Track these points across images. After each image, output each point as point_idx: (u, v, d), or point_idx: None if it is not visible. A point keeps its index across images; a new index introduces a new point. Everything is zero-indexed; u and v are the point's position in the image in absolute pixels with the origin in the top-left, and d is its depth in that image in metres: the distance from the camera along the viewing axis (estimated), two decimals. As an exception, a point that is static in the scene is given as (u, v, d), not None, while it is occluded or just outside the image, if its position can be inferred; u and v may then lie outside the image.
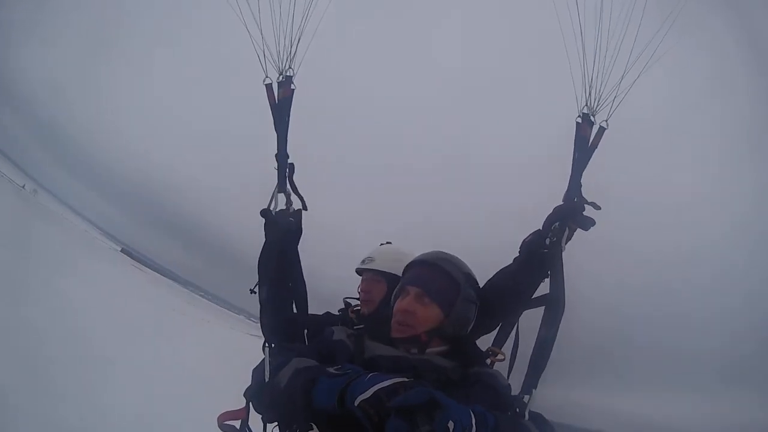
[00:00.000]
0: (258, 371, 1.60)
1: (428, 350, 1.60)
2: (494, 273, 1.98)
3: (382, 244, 2.42)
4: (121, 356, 7.26)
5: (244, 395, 1.65)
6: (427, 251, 1.81)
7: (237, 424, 1.83)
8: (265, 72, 1.82)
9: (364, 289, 2.26)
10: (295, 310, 2.13)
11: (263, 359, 1.60)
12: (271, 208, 1.90)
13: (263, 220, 1.89)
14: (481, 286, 1.83)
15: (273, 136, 1.87)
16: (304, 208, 2.02)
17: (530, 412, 1.51)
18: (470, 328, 1.74)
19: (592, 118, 1.72)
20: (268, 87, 1.86)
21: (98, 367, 6.55)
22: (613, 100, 1.63)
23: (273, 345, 1.69)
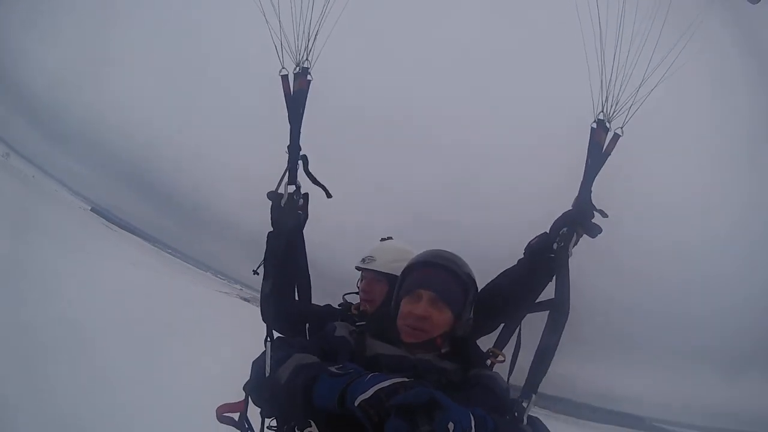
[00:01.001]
0: (258, 364, 1.59)
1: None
2: (498, 274, 1.99)
3: (382, 239, 2.41)
4: (94, 316, 7.29)
5: (244, 388, 1.63)
6: (428, 250, 1.79)
7: (236, 416, 1.81)
8: (282, 62, 1.80)
9: (365, 289, 2.25)
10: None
11: (263, 352, 1.59)
12: (282, 202, 1.87)
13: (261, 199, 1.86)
14: (482, 285, 1.83)
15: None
16: (328, 195, 1.99)
17: (528, 417, 1.51)
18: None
19: (607, 124, 1.72)
20: (284, 78, 1.83)
21: (71, 328, 6.57)
22: (629, 108, 1.63)
23: (274, 338, 1.67)
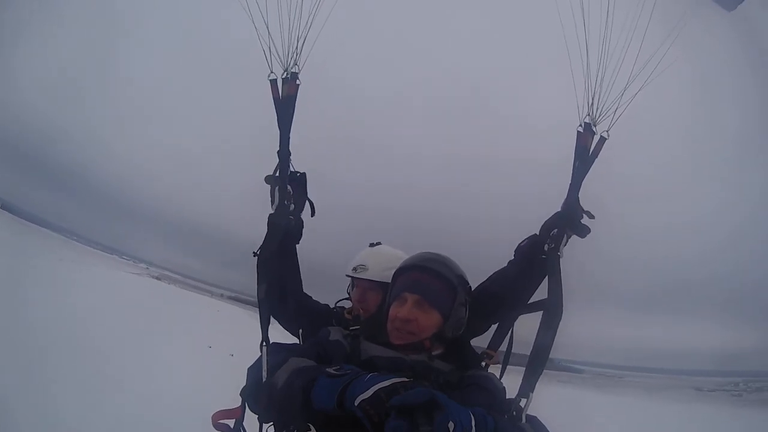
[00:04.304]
0: (253, 370, 1.59)
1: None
2: (488, 277, 2.01)
3: (371, 245, 2.38)
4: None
5: (240, 394, 1.63)
6: (416, 253, 1.81)
7: (231, 423, 1.80)
8: (270, 68, 1.79)
9: (359, 298, 2.23)
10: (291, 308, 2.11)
11: (258, 358, 1.59)
12: (273, 206, 1.86)
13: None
14: (474, 285, 1.85)
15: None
16: (312, 213, 2.00)
17: (527, 415, 1.53)
18: (464, 328, 1.76)
19: (593, 128, 1.75)
20: (273, 83, 1.83)
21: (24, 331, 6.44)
22: (615, 111, 1.66)
23: (270, 344, 1.67)
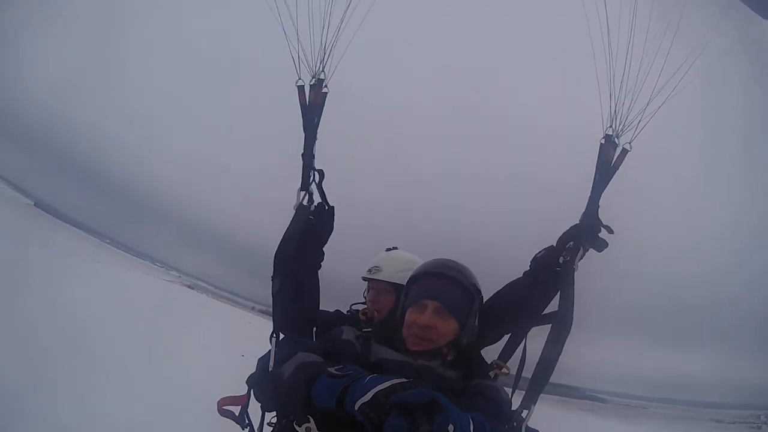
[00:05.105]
0: (263, 360, 1.63)
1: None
2: (503, 286, 1.98)
3: (388, 249, 2.44)
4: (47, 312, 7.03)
5: (247, 382, 1.67)
6: (433, 259, 1.82)
7: (236, 409, 1.84)
8: (299, 74, 1.86)
9: (373, 299, 2.27)
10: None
11: (270, 349, 1.63)
12: (294, 206, 1.91)
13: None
14: (488, 295, 1.84)
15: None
16: (327, 206, 2.02)
17: (527, 428, 1.50)
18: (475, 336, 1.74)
19: (615, 140, 1.73)
20: (300, 89, 1.88)
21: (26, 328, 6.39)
22: (638, 123, 1.63)
23: (282, 337, 1.71)
